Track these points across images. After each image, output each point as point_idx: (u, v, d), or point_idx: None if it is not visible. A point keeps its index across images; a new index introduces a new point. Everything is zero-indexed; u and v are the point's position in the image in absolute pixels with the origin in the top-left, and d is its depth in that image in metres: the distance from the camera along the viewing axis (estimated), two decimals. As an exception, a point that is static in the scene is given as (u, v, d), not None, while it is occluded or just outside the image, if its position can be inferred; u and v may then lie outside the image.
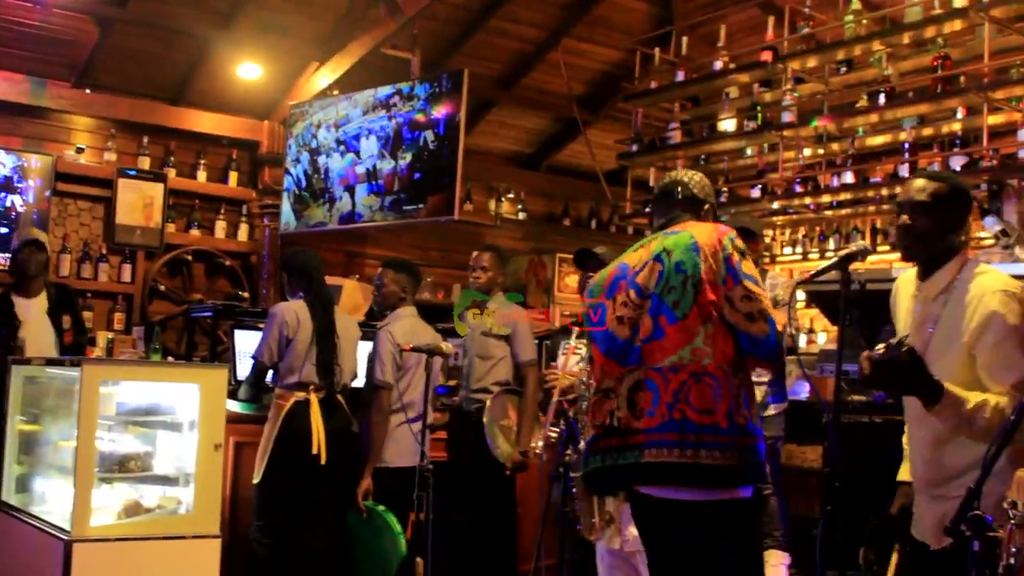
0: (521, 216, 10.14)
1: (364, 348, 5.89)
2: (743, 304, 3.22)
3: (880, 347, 2.78)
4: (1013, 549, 2.45)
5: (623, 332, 3.36)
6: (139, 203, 8.33)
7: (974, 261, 3.26)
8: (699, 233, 3.32)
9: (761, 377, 4.67)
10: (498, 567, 5.73)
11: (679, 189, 3.63)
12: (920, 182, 3.25)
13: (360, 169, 8.00)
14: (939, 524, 3.06)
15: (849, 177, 7.60)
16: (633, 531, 4.13)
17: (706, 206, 3.64)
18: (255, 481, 5.51)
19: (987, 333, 3.05)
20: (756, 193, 8.19)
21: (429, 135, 7.57)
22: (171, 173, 8.54)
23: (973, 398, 2.94)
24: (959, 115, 7.06)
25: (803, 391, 6.12)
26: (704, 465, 3.14)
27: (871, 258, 6.86)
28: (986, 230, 6.79)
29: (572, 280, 9.61)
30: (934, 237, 3.21)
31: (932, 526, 3.15)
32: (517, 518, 5.95)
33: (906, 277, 3.40)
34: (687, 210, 3.58)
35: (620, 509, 4.15)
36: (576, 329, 4.69)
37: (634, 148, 8.72)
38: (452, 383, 6.49)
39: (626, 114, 9.15)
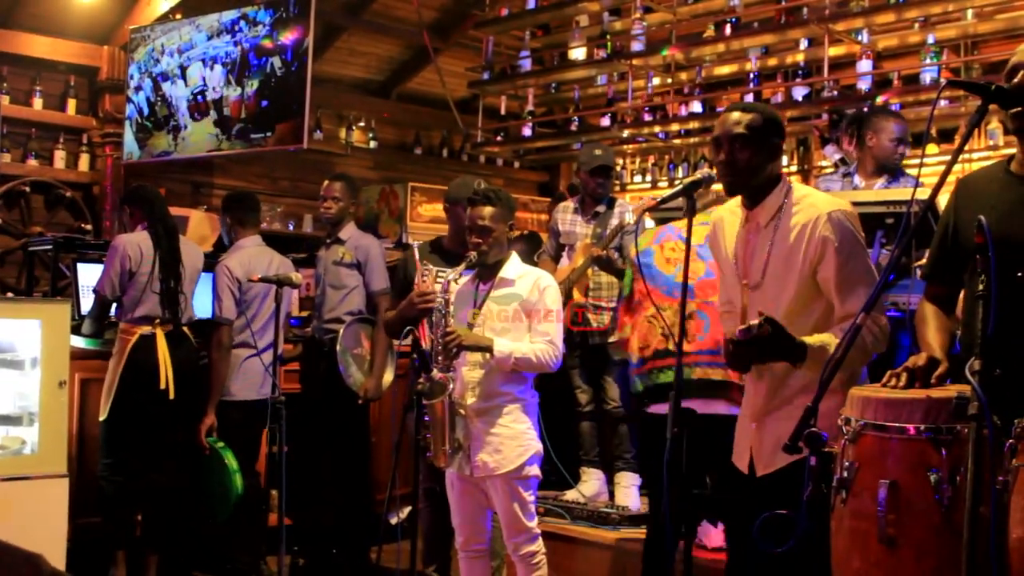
0: (372, 145, 10.01)
1: (208, 280, 5.79)
2: None
3: (739, 329, 2.95)
4: (846, 463, 2.57)
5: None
6: (-30, 131, 7.96)
7: (795, 186, 3.32)
8: None
9: None
10: (353, 497, 5.74)
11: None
12: (734, 115, 3.28)
13: (206, 96, 7.78)
14: (776, 446, 3.14)
15: (697, 106, 7.72)
16: (482, 457, 4.18)
17: None
18: (102, 418, 5.40)
19: (827, 259, 3.12)
20: (606, 122, 8.27)
21: (276, 61, 7.39)
22: (4, 100, 8.15)
23: (833, 341, 3.01)
24: (802, 46, 7.24)
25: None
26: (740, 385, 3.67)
27: (715, 186, 7.02)
28: (826, 158, 6.99)
29: (425, 209, 9.55)
30: (756, 167, 3.26)
31: (769, 448, 3.23)
32: (371, 447, 5.97)
33: (728, 208, 3.46)
34: None
35: (469, 436, 4.20)
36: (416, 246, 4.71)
37: (485, 76, 8.69)
38: (304, 314, 6.43)
39: (477, 42, 9.08)
